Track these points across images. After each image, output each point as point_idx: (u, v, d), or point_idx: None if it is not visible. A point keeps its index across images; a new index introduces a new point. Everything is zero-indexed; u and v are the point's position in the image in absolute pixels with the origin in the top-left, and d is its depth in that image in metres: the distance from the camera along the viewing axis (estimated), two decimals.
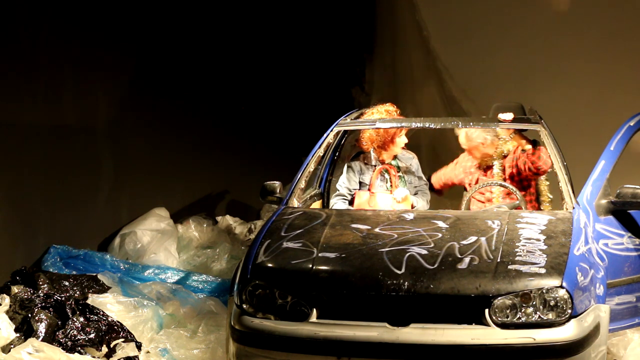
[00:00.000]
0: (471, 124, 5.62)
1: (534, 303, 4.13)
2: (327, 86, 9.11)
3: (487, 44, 8.47)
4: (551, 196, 5.70)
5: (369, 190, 5.64)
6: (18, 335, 5.33)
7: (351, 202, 5.68)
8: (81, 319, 5.33)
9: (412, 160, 5.77)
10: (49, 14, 6.67)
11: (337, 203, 5.70)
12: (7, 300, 5.70)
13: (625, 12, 7.94)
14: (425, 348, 4.07)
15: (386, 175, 5.68)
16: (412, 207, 5.59)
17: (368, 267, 4.29)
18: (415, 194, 5.73)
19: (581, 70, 7.86)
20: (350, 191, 5.72)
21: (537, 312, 4.13)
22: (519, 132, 5.79)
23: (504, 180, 5.66)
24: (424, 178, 5.80)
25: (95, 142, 7.25)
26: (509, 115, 5.35)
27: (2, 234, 6.29)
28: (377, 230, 4.65)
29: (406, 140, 5.69)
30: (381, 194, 5.60)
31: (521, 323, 4.12)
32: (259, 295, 4.34)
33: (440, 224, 4.70)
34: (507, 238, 4.49)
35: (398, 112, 5.74)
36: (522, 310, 4.13)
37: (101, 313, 5.44)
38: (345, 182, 5.74)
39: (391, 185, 5.65)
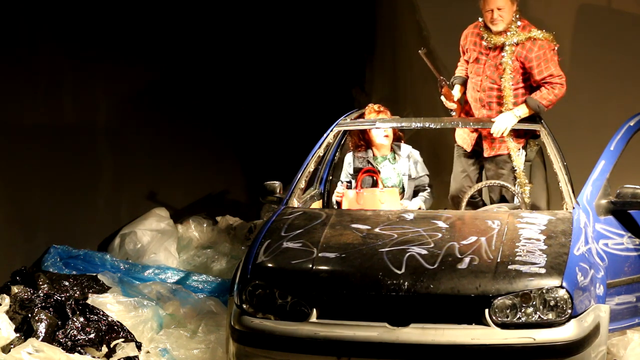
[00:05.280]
0: (471, 124, 5.63)
1: (534, 303, 4.13)
2: (327, 86, 9.10)
3: None
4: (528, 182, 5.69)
5: (355, 188, 5.69)
6: (18, 335, 5.34)
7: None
8: (81, 319, 5.33)
9: (413, 152, 5.85)
10: (49, 14, 6.67)
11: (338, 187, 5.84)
12: (7, 300, 5.71)
13: (627, 12, 7.94)
14: (425, 348, 4.07)
15: (372, 178, 5.76)
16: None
17: (368, 267, 4.29)
18: (415, 193, 5.78)
19: (581, 71, 7.84)
20: (348, 177, 5.83)
21: (537, 312, 4.13)
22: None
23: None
24: (426, 171, 5.84)
25: (95, 142, 7.25)
26: None
27: (2, 234, 6.29)
28: (377, 230, 4.65)
29: (383, 132, 5.73)
30: (367, 189, 5.66)
31: (521, 323, 4.12)
32: (259, 295, 4.34)
33: (440, 224, 4.70)
34: (507, 238, 4.49)
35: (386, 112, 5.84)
36: (522, 310, 4.13)
37: (101, 313, 5.44)
38: (344, 172, 5.91)
39: (377, 184, 5.72)
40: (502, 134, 5.54)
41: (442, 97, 5.88)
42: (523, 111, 5.57)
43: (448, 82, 5.87)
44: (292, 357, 4.22)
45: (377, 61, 9.42)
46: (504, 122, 5.52)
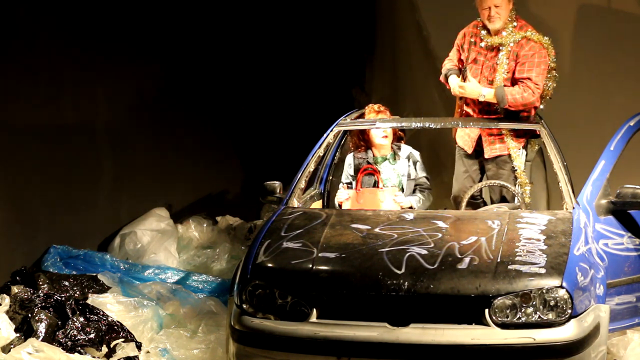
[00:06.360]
0: (471, 123, 5.63)
1: (534, 303, 4.13)
2: (327, 86, 9.11)
3: None
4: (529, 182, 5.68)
5: (355, 188, 5.69)
6: (18, 335, 5.34)
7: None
8: (81, 319, 5.33)
9: (414, 152, 5.83)
10: (49, 14, 6.67)
11: (340, 191, 5.81)
12: (7, 300, 5.71)
13: (627, 12, 7.94)
14: (425, 348, 4.07)
15: (373, 177, 5.75)
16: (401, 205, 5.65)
17: (368, 267, 4.29)
18: (414, 190, 5.77)
19: (581, 71, 7.84)
20: (348, 178, 5.83)
21: (537, 312, 4.13)
22: None
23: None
24: (425, 172, 5.83)
25: (95, 142, 7.25)
26: None
27: (2, 234, 6.29)
28: (377, 230, 4.65)
29: (382, 132, 5.72)
30: (368, 188, 5.67)
31: (521, 323, 4.12)
32: (259, 295, 4.34)
33: (440, 224, 4.70)
34: (507, 238, 4.49)
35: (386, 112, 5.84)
36: (522, 310, 4.13)
37: (101, 313, 5.44)
38: (345, 173, 5.90)
39: (377, 184, 5.70)
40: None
41: (457, 87, 5.80)
42: (489, 95, 5.58)
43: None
44: (292, 357, 4.22)
45: (377, 61, 9.43)
46: (465, 90, 5.61)
